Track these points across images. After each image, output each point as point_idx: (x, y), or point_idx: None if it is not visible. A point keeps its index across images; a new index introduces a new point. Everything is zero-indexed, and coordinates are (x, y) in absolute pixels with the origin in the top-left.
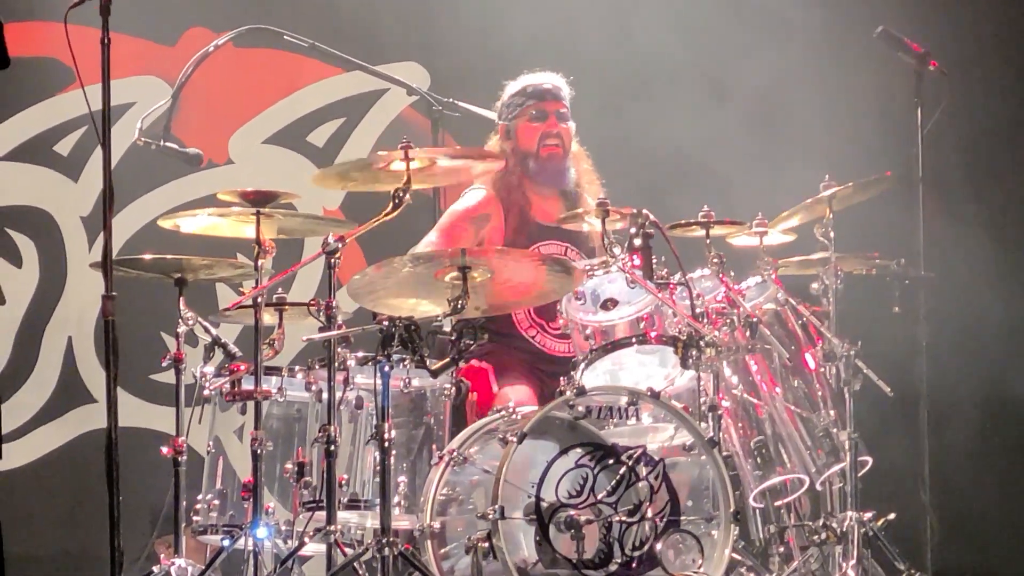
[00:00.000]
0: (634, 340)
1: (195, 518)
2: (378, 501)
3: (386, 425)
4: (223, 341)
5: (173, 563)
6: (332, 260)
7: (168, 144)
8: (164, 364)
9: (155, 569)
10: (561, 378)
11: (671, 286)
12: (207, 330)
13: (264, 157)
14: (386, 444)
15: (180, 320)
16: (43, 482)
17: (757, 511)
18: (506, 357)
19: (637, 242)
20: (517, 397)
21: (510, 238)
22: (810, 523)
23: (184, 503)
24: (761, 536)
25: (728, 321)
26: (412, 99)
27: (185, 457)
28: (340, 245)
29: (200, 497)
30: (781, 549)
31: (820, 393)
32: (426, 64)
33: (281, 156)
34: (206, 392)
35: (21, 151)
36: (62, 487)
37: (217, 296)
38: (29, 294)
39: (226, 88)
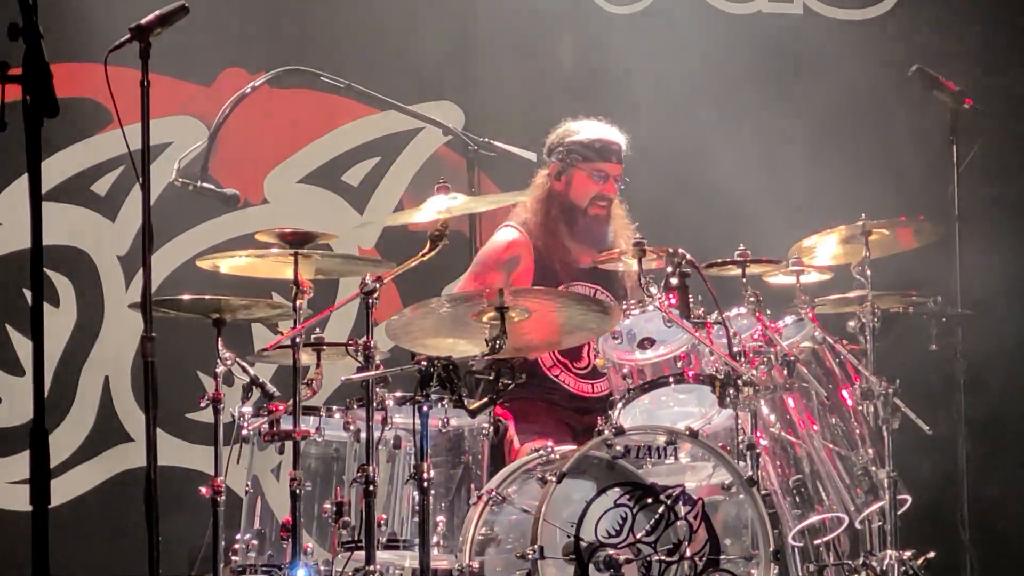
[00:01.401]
0: (671, 379)
1: (234, 558)
2: (417, 541)
3: (425, 464)
4: (261, 381)
5: None
6: (370, 300)
7: (205, 184)
8: (203, 405)
9: None
10: (599, 417)
11: (708, 325)
12: (245, 370)
13: (299, 197)
14: (425, 484)
15: (219, 360)
16: (80, 521)
17: (796, 550)
18: (528, 404)
19: (674, 281)
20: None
21: (545, 280)
22: (850, 562)
23: (223, 543)
24: (800, 575)
25: (765, 359)
26: (447, 138)
27: (224, 497)
28: (378, 285)
29: (239, 537)
30: None
31: (858, 431)
32: (461, 104)
33: (316, 196)
34: (244, 432)
35: (59, 191)
36: (99, 526)
37: (252, 336)
38: (67, 333)
39: (261, 128)
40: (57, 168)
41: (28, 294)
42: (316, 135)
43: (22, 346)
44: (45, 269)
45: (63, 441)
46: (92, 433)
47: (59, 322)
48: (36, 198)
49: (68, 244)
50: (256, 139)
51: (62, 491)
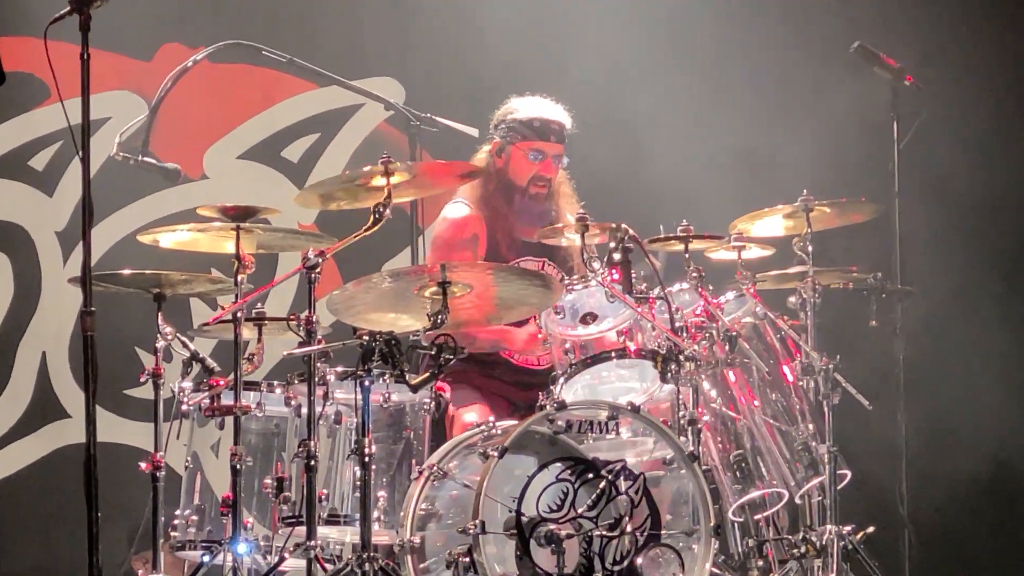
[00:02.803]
0: (614, 354)
1: (173, 534)
2: (357, 516)
3: (366, 440)
4: (201, 356)
5: None
6: (312, 275)
7: (147, 159)
8: (143, 380)
9: None
10: (540, 392)
11: (650, 300)
12: (185, 345)
13: (239, 172)
14: (366, 459)
15: (159, 335)
16: (16, 498)
17: (736, 525)
18: (464, 374)
19: (616, 256)
20: (470, 420)
21: (491, 254)
22: (790, 537)
23: (162, 519)
24: (740, 550)
25: (707, 335)
26: (388, 114)
27: (164, 473)
28: (320, 260)
29: (178, 513)
30: (760, 563)
31: (798, 407)
32: (401, 79)
33: (256, 171)
34: (184, 407)
35: None
36: (36, 503)
37: (191, 311)
38: (3, 309)
39: (201, 103)
40: None
41: None
42: (256, 111)
43: None
44: None
45: None
46: (29, 409)
47: None
48: None
49: (5, 219)
50: (196, 114)
51: None
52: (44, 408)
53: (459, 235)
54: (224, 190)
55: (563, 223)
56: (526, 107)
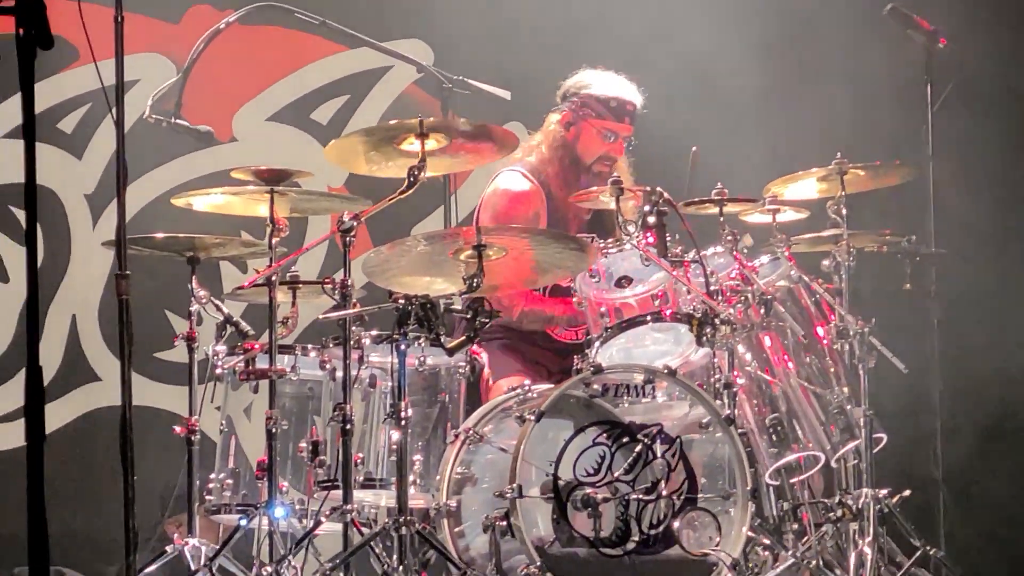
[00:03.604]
0: (649, 318)
1: (208, 497)
2: (393, 480)
3: (403, 403)
4: (235, 320)
5: (187, 542)
6: (347, 238)
7: (179, 121)
8: (176, 343)
9: (168, 549)
10: (576, 356)
11: (685, 264)
12: (219, 308)
13: (268, 135)
14: (403, 422)
15: (193, 299)
16: (47, 461)
17: (771, 488)
18: (503, 342)
19: (651, 220)
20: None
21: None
22: (825, 500)
23: (196, 482)
24: (775, 513)
25: (742, 298)
26: (417, 77)
27: (198, 436)
28: (355, 223)
29: (213, 476)
30: (795, 526)
31: (833, 370)
32: (429, 41)
33: (285, 134)
34: (218, 371)
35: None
36: (66, 467)
37: (221, 275)
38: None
39: (230, 65)
40: (19, 107)
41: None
42: (285, 73)
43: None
44: (10, 207)
45: None
46: (59, 373)
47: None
48: (30, 132)
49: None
50: (225, 76)
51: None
52: (74, 371)
53: (523, 211)
54: (254, 152)
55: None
56: (602, 84)
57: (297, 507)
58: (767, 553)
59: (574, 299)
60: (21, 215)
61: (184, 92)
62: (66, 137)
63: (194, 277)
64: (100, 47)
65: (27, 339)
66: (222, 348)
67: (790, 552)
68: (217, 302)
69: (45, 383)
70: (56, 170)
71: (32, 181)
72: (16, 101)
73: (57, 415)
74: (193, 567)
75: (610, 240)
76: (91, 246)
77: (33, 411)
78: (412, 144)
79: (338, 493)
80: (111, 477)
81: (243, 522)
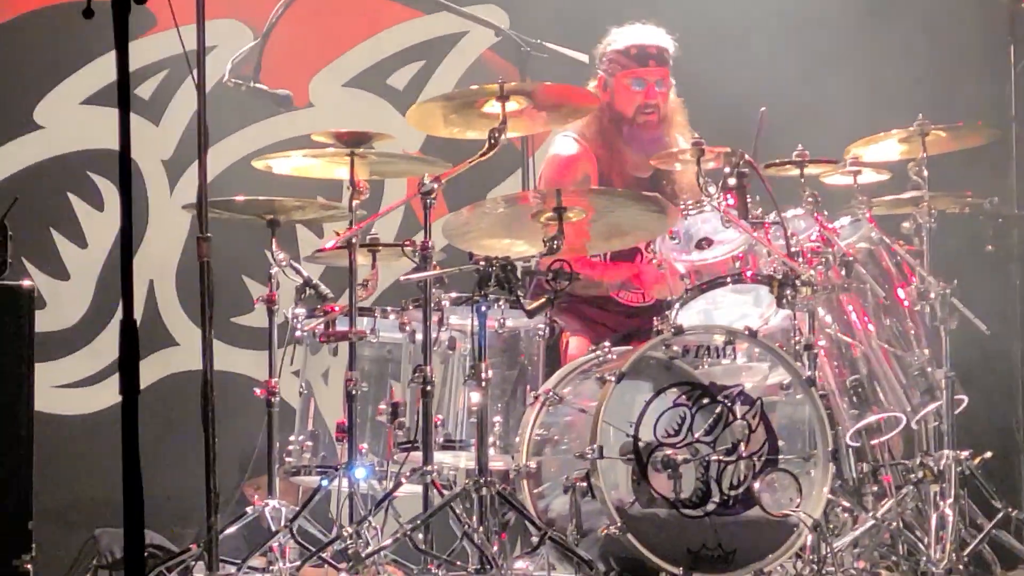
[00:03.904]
0: (729, 279)
1: (288, 459)
2: (472, 441)
3: (483, 364)
4: (315, 283)
5: (267, 504)
6: (427, 200)
7: (258, 85)
8: (256, 305)
9: (248, 510)
10: (654, 318)
11: (765, 225)
12: (298, 272)
13: (345, 100)
14: (483, 384)
15: (273, 262)
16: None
17: (850, 450)
18: (570, 303)
19: (732, 181)
20: (575, 348)
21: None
22: (906, 462)
23: (276, 445)
24: (854, 475)
25: (823, 260)
26: (492, 42)
27: (279, 398)
28: (436, 186)
29: (292, 439)
30: (875, 488)
31: (914, 332)
32: (505, 6)
33: (361, 99)
34: (298, 333)
35: (102, 95)
36: (143, 432)
37: (298, 239)
38: (111, 238)
39: (307, 31)
40: (100, 72)
41: (72, 198)
42: (361, 38)
43: (67, 250)
44: (89, 173)
45: (108, 346)
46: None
47: (103, 226)
48: (124, 93)
49: (111, 148)
50: (301, 42)
51: (104, 396)
52: (152, 336)
53: (570, 176)
54: (330, 118)
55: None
56: (623, 36)
57: (377, 468)
58: (846, 515)
59: (653, 260)
60: (99, 181)
61: (262, 57)
62: (143, 103)
63: (274, 240)
64: (180, 12)
65: (122, 291)
66: (301, 311)
67: (870, 514)
68: (297, 265)
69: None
70: (134, 136)
71: (126, 123)
72: (92, 68)
73: None
74: (273, 528)
75: (691, 202)
76: (168, 212)
77: (128, 367)
78: (492, 107)
79: (417, 455)
80: (188, 442)
81: (324, 483)
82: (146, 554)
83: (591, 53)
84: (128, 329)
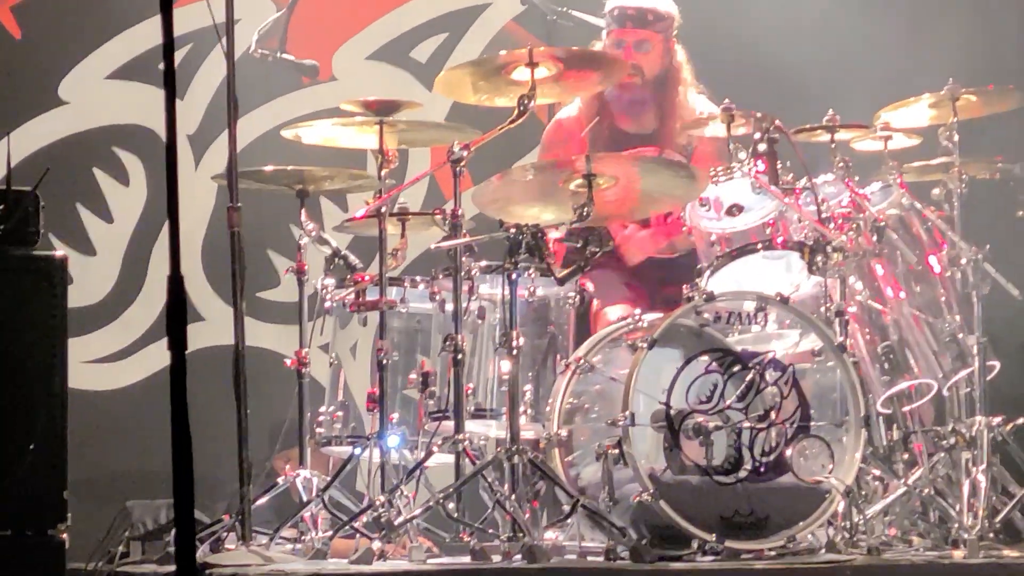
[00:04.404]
0: (760, 246)
1: (318, 430)
2: (503, 410)
3: (514, 332)
4: (344, 253)
5: (298, 474)
6: (458, 168)
7: (285, 56)
8: (286, 276)
9: (279, 480)
10: (685, 285)
11: (796, 191)
12: (327, 242)
13: (368, 73)
14: (515, 352)
15: (302, 231)
16: (153, 400)
17: (880, 418)
18: (604, 270)
19: (762, 147)
20: (617, 315)
21: (592, 149)
22: (938, 428)
23: (307, 415)
24: (885, 443)
25: (854, 226)
26: (515, 13)
27: (309, 369)
28: (465, 153)
29: (323, 409)
30: (905, 456)
31: (944, 298)
32: None
33: (385, 72)
34: (327, 304)
35: (126, 70)
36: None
37: (322, 212)
38: (137, 212)
39: (329, 4)
40: (123, 47)
41: (98, 173)
42: (383, 11)
43: (93, 225)
44: (114, 148)
45: (136, 320)
46: (163, 313)
47: (129, 201)
48: (169, 49)
49: (136, 123)
50: (324, 15)
51: (134, 371)
52: None
53: (553, 137)
54: (354, 91)
55: (680, 111)
56: None
57: (408, 438)
58: (877, 483)
59: (684, 227)
60: (125, 156)
61: (287, 29)
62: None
63: (303, 211)
64: None
65: (170, 253)
66: (330, 282)
67: (901, 481)
68: (325, 235)
69: (148, 324)
70: (158, 110)
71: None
72: (115, 43)
73: (162, 355)
74: (305, 498)
75: (720, 168)
76: (194, 186)
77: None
78: (521, 73)
79: (448, 424)
80: (216, 418)
81: (357, 451)
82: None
83: None
84: (175, 285)
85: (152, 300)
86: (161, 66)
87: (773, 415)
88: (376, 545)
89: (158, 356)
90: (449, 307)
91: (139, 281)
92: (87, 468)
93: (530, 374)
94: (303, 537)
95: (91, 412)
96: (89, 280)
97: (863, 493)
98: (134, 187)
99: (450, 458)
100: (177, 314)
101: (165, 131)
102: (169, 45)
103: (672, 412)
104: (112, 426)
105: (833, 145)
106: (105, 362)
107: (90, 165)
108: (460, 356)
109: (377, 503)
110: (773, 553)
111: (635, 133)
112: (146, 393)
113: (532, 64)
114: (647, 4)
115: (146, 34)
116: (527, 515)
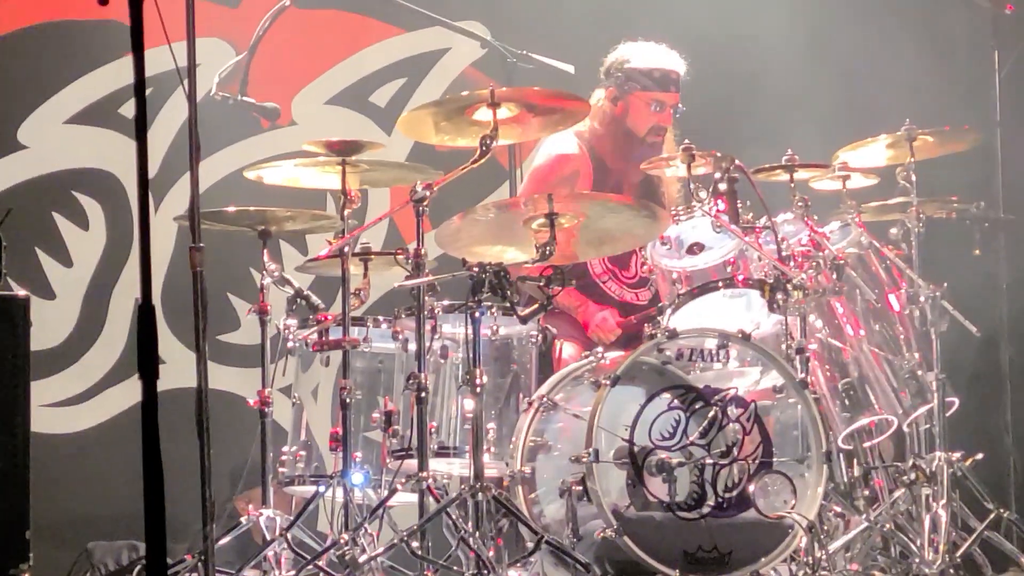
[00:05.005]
0: (721, 284)
1: (281, 470)
2: (466, 448)
3: (477, 371)
4: (306, 293)
5: (261, 514)
6: (420, 208)
7: (246, 99)
8: (248, 316)
9: (242, 520)
10: (646, 324)
11: (756, 230)
12: (289, 282)
13: (328, 117)
14: (478, 390)
15: (264, 272)
16: (114, 443)
17: (841, 454)
18: (563, 312)
19: (722, 186)
20: (569, 353)
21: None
22: (899, 464)
23: (270, 455)
24: (846, 478)
25: (814, 264)
26: (474, 58)
27: (272, 408)
28: (428, 193)
29: (286, 449)
30: (867, 491)
31: (904, 335)
32: (487, 22)
33: (344, 116)
34: (290, 344)
35: (86, 114)
36: (133, 449)
37: (282, 253)
38: (96, 256)
39: (288, 49)
40: (84, 91)
41: (57, 217)
42: (343, 56)
43: (52, 269)
44: (73, 192)
45: (95, 363)
46: (123, 355)
47: (89, 245)
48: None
49: (96, 167)
50: (283, 60)
51: (95, 414)
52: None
53: (560, 170)
54: (314, 135)
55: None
56: (644, 56)
57: (372, 476)
58: (838, 519)
59: (644, 269)
60: (84, 200)
61: (248, 72)
62: (127, 122)
63: (265, 251)
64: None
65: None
66: (292, 322)
67: (863, 516)
68: (288, 276)
69: (108, 367)
70: (118, 154)
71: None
72: (75, 88)
73: (122, 399)
74: (268, 538)
75: (681, 207)
76: (154, 230)
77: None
78: (483, 113)
79: (412, 463)
80: (178, 460)
81: (321, 488)
82: (137, 568)
83: (602, 61)
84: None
85: (112, 344)
86: (121, 110)
87: (736, 451)
88: None
89: (118, 399)
90: (412, 347)
91: (98, 325)
92: (48, 510)
93: (493, 412)
94: None
95: (51, 455)
96: (48, 324)
97: (825, 528)
98: (93, 231)
99: (414, 496)
100: (147, 343)
101: (136, 159)
102: (140, 83)
103: (635, 449)
104: (72, 470)
105: (792, 184)
106: (64, 406)
107: (49, 209)
108: (424, 394)
109: (341, 541)
110: None
111: (631, 183)
112: (106, 436)
113: (494, 104)
114: (680, 68)
115: (105, 79)
116: (491, 552)
